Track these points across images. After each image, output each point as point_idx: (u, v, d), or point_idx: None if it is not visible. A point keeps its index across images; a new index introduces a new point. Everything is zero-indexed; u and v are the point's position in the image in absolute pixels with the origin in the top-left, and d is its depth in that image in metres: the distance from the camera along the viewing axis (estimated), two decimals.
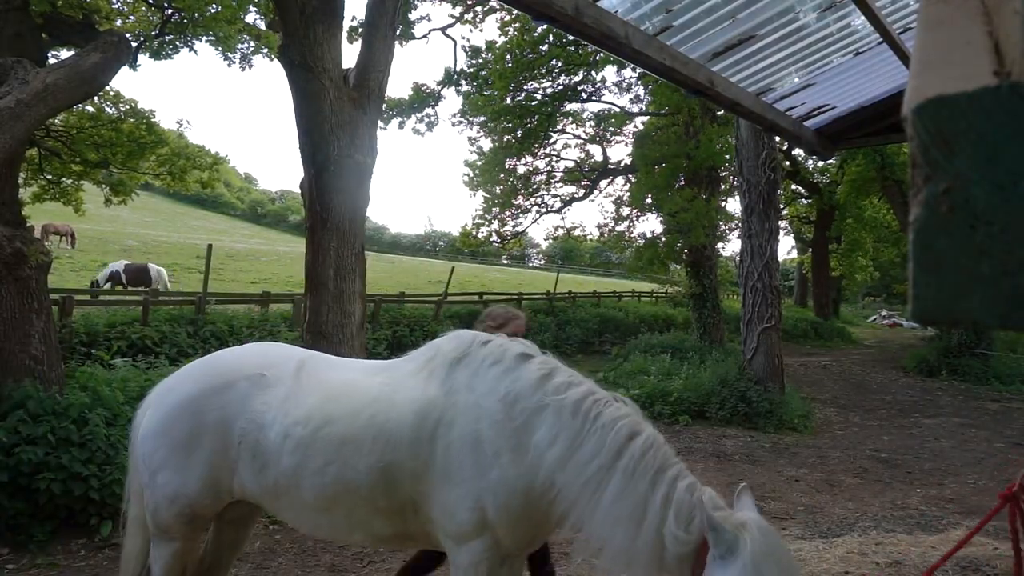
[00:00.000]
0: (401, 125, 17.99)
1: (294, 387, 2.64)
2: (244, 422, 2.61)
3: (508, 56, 17.06)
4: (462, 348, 2.60)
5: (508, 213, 20.56)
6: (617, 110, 20.34)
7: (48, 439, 4.77)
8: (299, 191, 8.05)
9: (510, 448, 2.38)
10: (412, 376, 2.61)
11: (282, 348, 2.98)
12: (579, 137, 21.52)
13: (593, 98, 19.66)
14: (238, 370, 2.73)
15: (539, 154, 20.30)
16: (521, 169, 20.43)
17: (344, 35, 8.40)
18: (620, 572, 2.23)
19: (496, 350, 2.56)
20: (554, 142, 20.79)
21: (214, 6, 6.16)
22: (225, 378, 2.70)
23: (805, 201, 29.79)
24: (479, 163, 19.89)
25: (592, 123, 21.36)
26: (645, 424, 2.39)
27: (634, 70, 17.61)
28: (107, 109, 8.73)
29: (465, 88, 18.53)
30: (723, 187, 17.23)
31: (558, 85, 18.51)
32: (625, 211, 20.61)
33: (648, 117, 19.89)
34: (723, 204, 17.00)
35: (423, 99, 17.64)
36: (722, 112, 13.26)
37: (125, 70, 6.24)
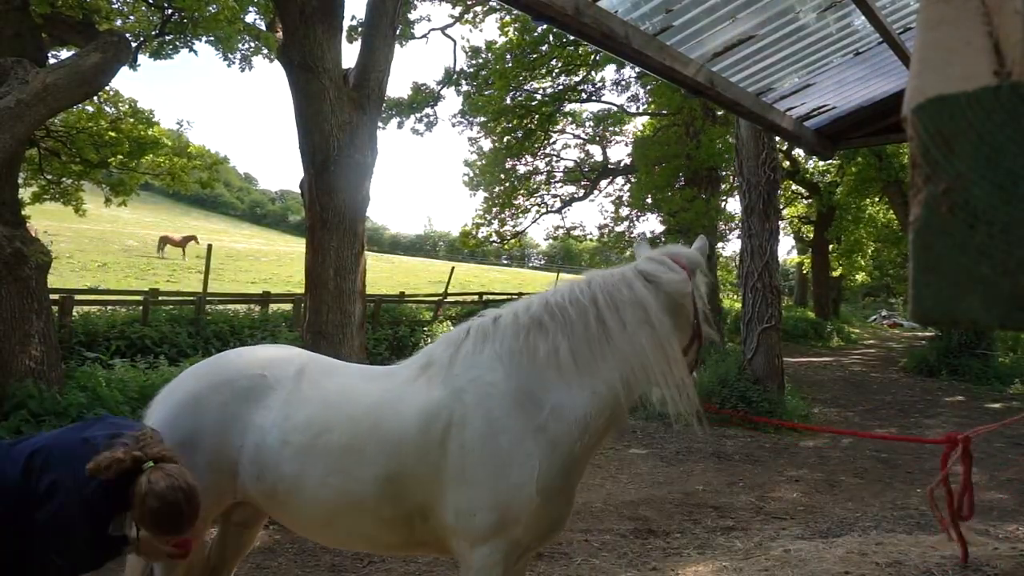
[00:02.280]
0: (400, 125, 18.01)
1: (294, 391, 2.62)
2: (243, 423, 2.59)
3: (508, 56, 17.07)
4: (453, 346, 2.61)
5: (508, 213, 20.57)
6: (616, 110, 20.34)
7: None
8: (299, 191, 8.05)
9: (529, 430, 2.37)
10: (411, 383, 2.58)
11: (284, 350, 2.95)
12: (579, 137, 21.54)
13: (593, 98, 19.67)
14: (239, 370, 2.72)
15: (539, 154, 20.32)
16: (521, 169, 20.44)
17: (344, 35, 8.40)
18: (666, 369, 2.49)
19: (478, 333, 2.62)
20: (554, 142, 20.82)
21: (214, 6, 6.16)
22: (226, 377, 2.69)
23: (805, 201, 29.77)
24: (479, 163, 19.90)
25: (592, 123, 21.37)
26: (587, 272, 2.75)
27: (633, 69, 17.61)
28: (107, 109, 8.74)
29: (465, 88, 18.54)
30: (723, 187, 17.24)
31: (558, 85, 18.52)
32: (625, 211, 20.62)
33: (648, 117, 19.91)
34: (723, 204, 17.01)
35: (423, 99, 17.65)
36: (722, 112, 13.27)
37: (125, 70, 6.25)
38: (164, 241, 27.73)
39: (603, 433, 2.57)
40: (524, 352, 2.48)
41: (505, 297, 19.91)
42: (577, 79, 18.46)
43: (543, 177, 20.70)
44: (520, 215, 20.88)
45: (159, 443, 2.31)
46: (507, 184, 20.00)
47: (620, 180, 21.41)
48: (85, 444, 2.25)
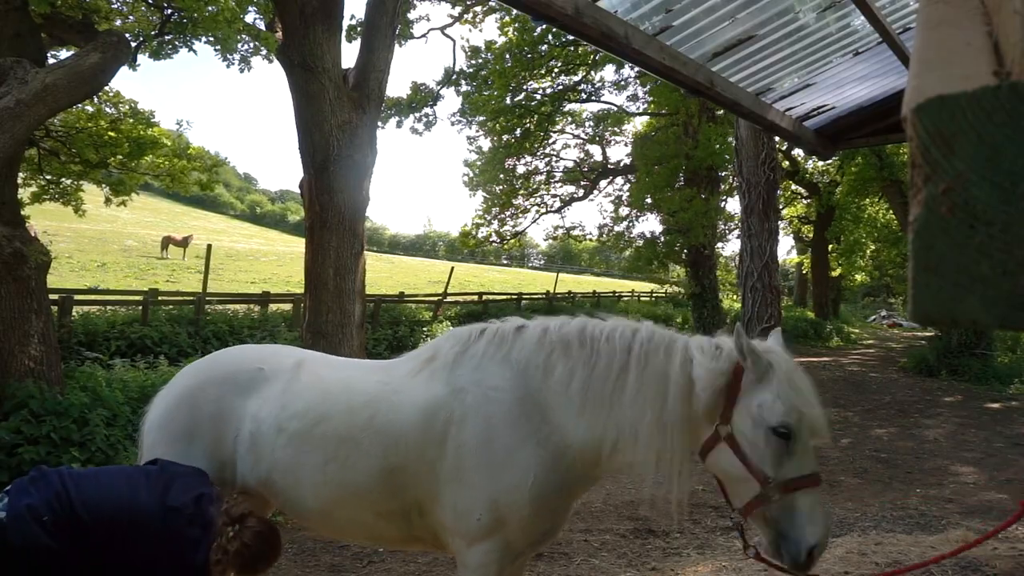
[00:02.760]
0: (399, 124, 18.01)
1: (291, 382, 2.64)
2: (240, 415, 2.62)
3: (507, 56, 17.06)
4: (461, 344, 2.59)
5: (508, 213, 20.57)
6: (616, 110, 20.34)
7: (51, 438, 4.78)
8: (299, 191, 8.05)
9: (524, 438, 2.37)
10: (413, 376, 2.59)
11: (282, 348, 3.02)
12: (578, 137, 21.53)
13: (592, 98, 19.67)
14: (237, 364, 2.76)
15: (539, 154, 20.31)
16: (521, 169, 20.45)
17: (344, 35, 8.40)
18: (657, 453, 2.31)
19: (496, 334, 2.58)
20: (553, 142, 20.82)
21: (213, 6, 6.16)
22: (223, 372, 2.73)
23: (805, 201, 29.77)
24: (478, 163, 19.90)
25: (591, 123, 21.37)
26: (643, 321, 2.56)
27: (633, 69, 17.61)
28: (107, 109, 8.73)
29: (464, 88, 18.54)
30: (723, 187, 17.24)
31: (557, 85, 18.52)
32: (625, 211, 20.62)
33: (647, 117, 19.91)
34: (723, 204, 17.03)
35: (422, 99, 17.65)
36: (722, 112, 13.27)
37: (125, 70, 6.25)
38: (167, 241, 27.84)
39: (582, 478, 2.51)
40: (541, 367, 2.45)
41: (505, 297, 19.93)
42: (576, 79, 18.47)
43: (543, 177, 20.71)
44: (520, 215, 20.88)
45: (239, 503, 2.40)
46: (507, 184, 20.00)
47: (620, 180, 21.42)
48: (175, 515, 2.24)
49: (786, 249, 40.94)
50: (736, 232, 15.79)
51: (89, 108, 8.40)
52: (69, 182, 8.98)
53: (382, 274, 31.10)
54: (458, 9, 16.64)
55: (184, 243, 28.19)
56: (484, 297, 18.71)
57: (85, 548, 2.12)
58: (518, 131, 18.62)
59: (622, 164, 21.07)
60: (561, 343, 2.47)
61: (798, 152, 22.10)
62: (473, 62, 18.09)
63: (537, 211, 20.99)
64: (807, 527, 2.13)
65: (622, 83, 19.55)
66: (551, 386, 2.42)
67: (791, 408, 2.17)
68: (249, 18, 9.18)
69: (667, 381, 2.33)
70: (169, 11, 6.59)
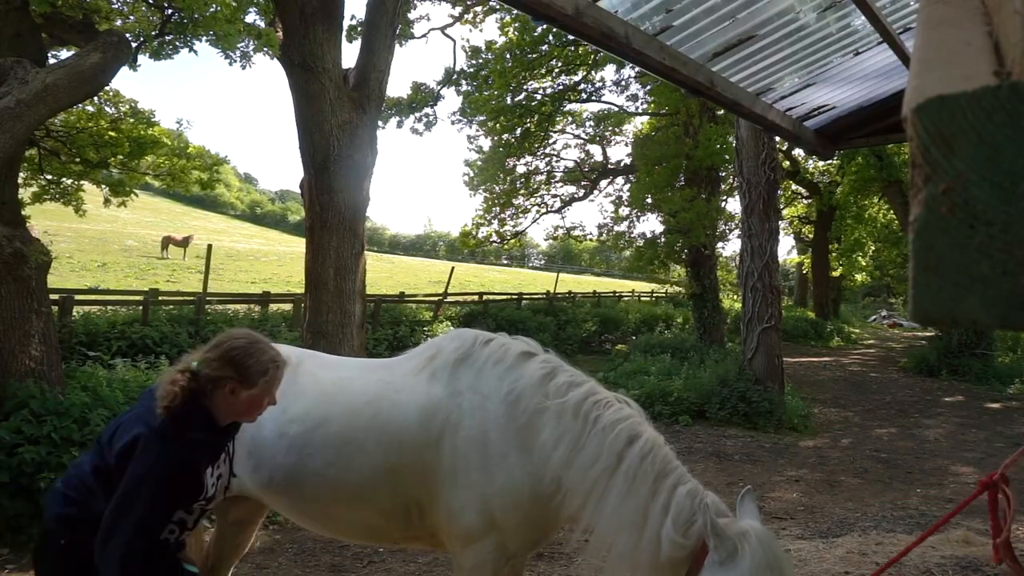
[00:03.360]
0: (399, 124, 18.01)
1: (290, 384, 2.63)
2: None
3: (508, 56, 17.06)
4: (464, 348, 2.59)
5: (508, 213, 20.56)
6: (616, 110, 20.34)
7: (52, 438, 4.78)
8: (299, 191, 8.05)
9: (516, 448, 2.38)
10: (414, 376, 2.59)
11: (280, 347, 2.97)
12: (579, 137, 21.53)
13: (593, 98, 19.67)
14: None
15: (539, 154, 20.30)
16: (521, 169, 20.43)
17: (344, 35, 8.40)
18: (625, 574, 2.23)
19: (498, 350, 2.55)
20: (554, 142, 20.80)
21: (214, 6, 6.16)
22: None
23: (805, 201, 29.76)
24: (479, 163, 19.90)
25: (592, 123, 21.36)
26: (645, 426, 2.39)
27: (633, 69, 17.61)
28: (107, 109, 8.73)
29: (465, 88, 18.53)
30: (723, 187, 17.23)
31: (558, 85, 18.51)
32: (625, 211, 20.61)
33: (648, 117, 19.91)
34: (723, 204, 17.00)
35: (422, 99, 17.65)
36: (722, 112, 13.26)
37: (125, 70, 6.24)
38: (167, 241, 27.89)
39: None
40: (528, 414, 2.39)
41: (505, 297, 19.93)
42: (577, 79, 18.46)
43: (543, 177, 20.69)
44: (520, 215, 20.87)
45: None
46: (507, 184, 19.99)
47: (620, 180, 21.40)
48: (147, 396, 2.12)
49: (786, 249, 40.99)
50: (736, 232, 15.78)
51: (89, 108, 8.40)
52: (69, 182, 8.98)
53: (382, 274, 31.11)
54: (458, 9, 16.64)
55: (184, 243, 28.24)
56: (484, 297, 18.71)
57: (93, 480, 2.06)
58: (518, 131, 18.61)
59: (622, 164, 21.05)
60: (558, 406, 2.36)
61: (798, 152, 22.10)
62: (473, 62, 18.09)
63: (537, 211, 20.98)
64: None
65: (622, 83, 19.54)
66: (538, 439, 2.38)
67: None
68: (249, 18, 9.18)
69: (645, 522, 2.20)
70: (169, 11, 6.59)
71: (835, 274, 29.65)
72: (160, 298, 10.89)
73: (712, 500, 2.18)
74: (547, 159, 20.75)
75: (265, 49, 7.42)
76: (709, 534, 2.06)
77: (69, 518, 2.03)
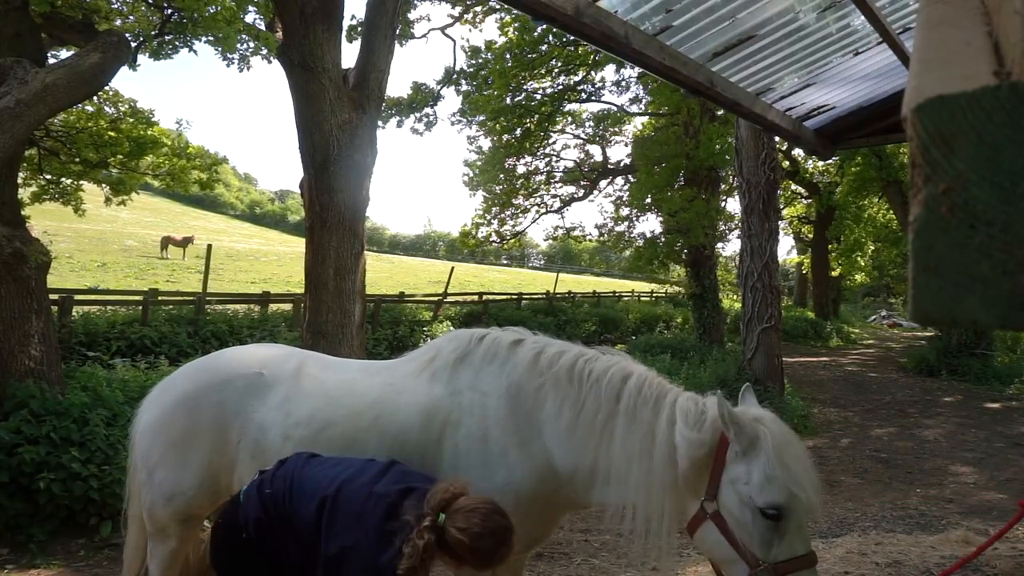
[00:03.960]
0: (399, 124, 18.02)
1: (294, 387, 2.62)
2: (242, 421, 2.59)
3: (508, 56, 17.06)
4: (461, 348, 2.61)
5: (508, 213, 20.56)
6: (616, 110, 20.34)
7: (51, 438, 4.78)
8: (299, 191, 8.05)
9: (515, 444, 2.40)
10: (414, 377, 2.61)
11: (281, 349, 2.95)
12: (579, 137, 21.53)
13: (593, 98, 19.66)
14: (236, 368, 2.71)
15: (539, 154, 20.30)
16: (521, 169, 20.43)
17: (344, 35, 8.40)
18: (644, 514, 2.22)
19: (491, 345, 2.59)
20: (554, 142, 20.80)
21: (214, 6, 6.16)
22: (222, 376, 2.68)
23: (805, 201, 29.76)
24: (478, 163, 19.90)
25: (592, 123, 21.36)
26: (636, 365, 2.46)
27: (633, 70, 17.61)
28: (106, 109, 8.73)
29: (465, 88, 18.54)
30: (723, 187, 17.23)
31: (557, 85, 18.51)
32: (625, 211, 20.62)
33: (648, 117, 19.91)
34: (723, 204, 17.01)
35: (422, 99, 17.65)
36: (722, 112, 13.26)
37: (124, 70, 6.24)
38: (167, 241, 27.94)
39: (568, 502, 2.48)
40: (532, 395, 2.44)
41: (505, 297, 19.94)
42: (577, 79, 18.45)
43: (543, 177, 20.69)
44: (520, 215, 20.87)
45: (441, 490, 2.03)
46: (507, 184, 19.99)
47: (620, 180, 21.40)
48: (375, 502, 2.01)
49: (786, 249, 41.00)
50: (736, 232, 15.78)
51: (89, 108, 8.40)
52: (69, 182, 8.98)
53: (382, 274, 31.11)
54: (458, 9, 16.64)
55: (184, 243, 28.26)
56: (484, 297, 18.71)
57: (293, 522, 2.06)
58: (518, 131, 18.61)
59: (622, 164, 21.05)
60: (552, 377, 2.42)
61: (798, 152, 22.10)
62: (473, 62, 18.09)
63: (537, 211, 20.98)
64: None
65: (623, 83, 19.55)
66: (542, 416, 2.42)
67: (780, 488, 2.02)
68: (249, 18, 9.18)
69: (654, 441, 2.22)
70: (169, 11, 6.59)
71: (835, 274, 29.66)
72: (160, 298, 10.89)
73: (719, 396, 2.19)
74: (547, 159, 20.75)
75: (263, 52, 7.42)
76: (728, 422, 2.07)
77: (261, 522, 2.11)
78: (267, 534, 2.10)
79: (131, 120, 8.70)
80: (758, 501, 2.03)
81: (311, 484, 2.11)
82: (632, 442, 2.25)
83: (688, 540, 2.33)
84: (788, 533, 2.04)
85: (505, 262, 73.04)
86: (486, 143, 19.94)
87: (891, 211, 23.24)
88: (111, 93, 8.72)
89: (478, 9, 16.89)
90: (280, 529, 2.10)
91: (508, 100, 17.63)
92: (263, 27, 9.35)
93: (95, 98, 7.86)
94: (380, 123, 12.31)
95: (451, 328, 12.89)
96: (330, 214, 7.56)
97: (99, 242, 27.51)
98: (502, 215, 20.51)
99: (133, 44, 6.20)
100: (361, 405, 2.54)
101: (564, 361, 2.44)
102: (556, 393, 2.40)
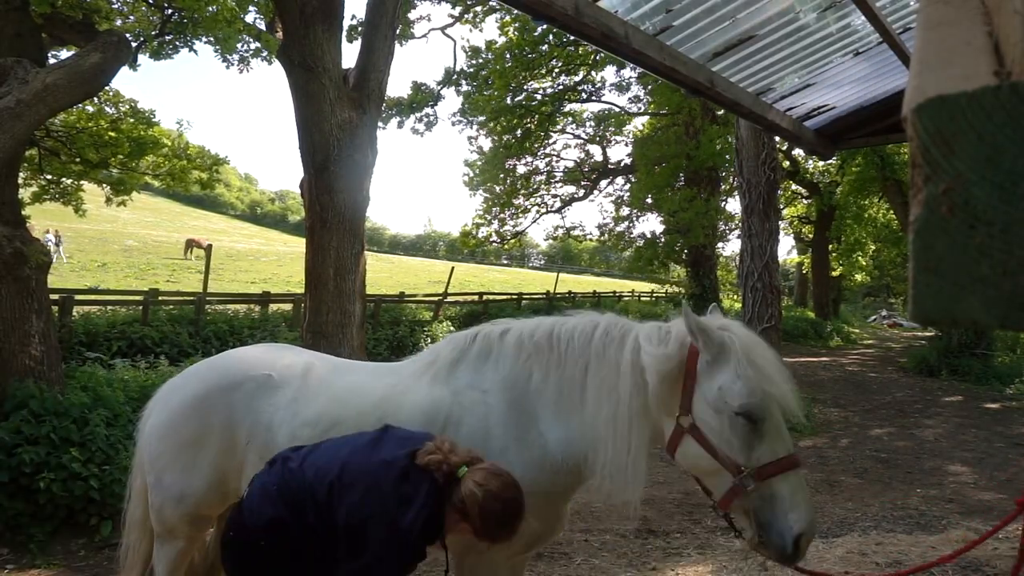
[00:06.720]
0: (400, 124, 18.02)
1: (302, 389, 2.63)
2: (251, 423, 2.59)
3: (508, 56, 17.07)
4: (458, 349, 2.65)
5: (508, 213, 20.58)
6: (617, 110, 20.35)
7: (51, 438, 4.78)
8: (299, 191, 8.05)
9: (515, 439, 2.41)
10: (416, 379, 2.63)
11: (289, 350, 2.95)
12: (579, 137, 21.53)
13: (593, 98, 19.67)
14: (245, 370, 2.71)
15: (539, 154, 20.32)
16: (521, 169, 20.46)
17: (344, 35, 8.40)
18: (613, 449, 2.23)
19: (484, 342, 2.62)
20: (554, 142, 20.83)
21: (214, 6, 6.16)
22: (231, 378, 2.68)
23: (805, 201, 29.77)
24: (479, 163, 19.92)
25: (592, 123, 21.37)
26: (603, 316, 2.50)
27: (634, 70, 17.61)
28: (107, 109, 8.74)
29: (465, 88, 18.54)
30: (723, 187, 17.24)
31: (558, 85, 18.52)
32: (625, 211, 20.63)
33: (648, 117, 19.92)
34: (723, 204, 17.02)
35: (423, 99, 17.65)
36: (722, 112, 13.26)
37: (125, 70, 6.25)
38: (191, 244, 28.26)
39: (569, 485, 2.48)
40: (522, 376, 2.48)
41: (505, 297, 19.93)
42: (577, 79, 18.47)
43: (543, 177, 20.71)
44: (520, 215, 20.89)
45: (457, 446, 2.09)
46: (507, 184, 20.01)
47: (620, 180, 21.41)
48: (387, 469, 2.03)
49: (786, 249, 40.99)
50: (736, 232, 15.79)
51: (89, 108, 8.41)
52: (69, 182, 8.99)
53: (382, 274, 31.12)
54: (458, 9, 16.64)
55: (207, 248, 28.35)
56: (484, 297, 18.71)
57: (312, 512, 2.05)
58: (518, 131, 18.63)
59: (622, 164, 21.06)
60: (535, 349, 2.47)
61: (798, 152, 22.10)
62: (473, 62, 18.10)
63: (537, 211, 21.00)
64: (789, 514, 1.98)
65: (623, 84, 19.56)
66: (532, 393, 2.45)
67: (753, 388, 2.03)
68: (249, 18, 9.19)
69: (617, 372, 2.24)
70: (169, 11, 6.59)
71: (835, 274, 29.67)
72: (160, 298, 10.87)
73: (685, 305, 2.20)
74: (547, 159, 20.77)
75: (264, 54, 7.43)
76: (695, 331, 2.09)
77: (280, 522, 2.05)
78: (284, 533, 2.07)
79: (131, 120, 8.70)
80: (733, 405, 2.04)
81: (314, 475, 2.12)
82: (599, 380, 2.29)
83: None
84: (767, 435, 2.04)
85: (505, 262, 73.06)
86: (486, 143, 19.96)
87: (891, 211, 23.24)
88: (111, 93, 8.72)
89: (478, 9, 16.90)
90: (296, 527, 2.07)
91: (508, 100, 17.64)
92: (263, 27, 9.35)
93: (96, 98, 7.86)
94: (380, 123, 12.31)
95: (451, 328, 12.91)
96: (330, 214, 7.56)
97: (99, 242, 27.53)
98: (502, 215, 20.53)
99: (133, 44, 6.20)
100: (366, 405, 2.55)
101: (542, 330, 2.51)
102: (539, 364, 2.45)
